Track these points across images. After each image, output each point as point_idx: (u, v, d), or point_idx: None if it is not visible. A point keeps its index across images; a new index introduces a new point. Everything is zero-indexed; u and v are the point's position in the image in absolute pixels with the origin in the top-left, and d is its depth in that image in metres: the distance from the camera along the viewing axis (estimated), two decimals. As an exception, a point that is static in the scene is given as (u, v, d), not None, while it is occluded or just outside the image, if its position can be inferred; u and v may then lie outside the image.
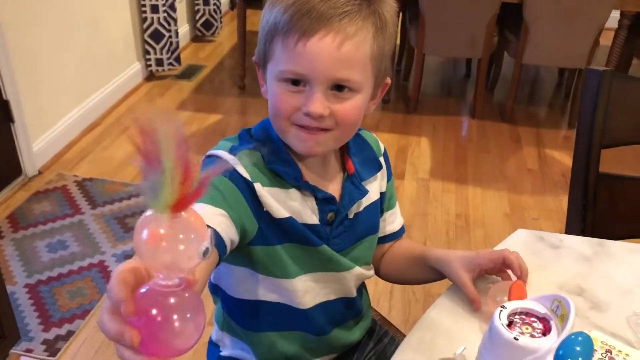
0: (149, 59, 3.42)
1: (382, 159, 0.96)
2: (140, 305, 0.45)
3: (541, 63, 3.36)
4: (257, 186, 0.80)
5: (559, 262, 0.97)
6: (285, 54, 0.75)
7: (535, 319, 0.73)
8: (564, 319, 0.70)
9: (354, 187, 0.89)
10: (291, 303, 0.89)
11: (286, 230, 0.83)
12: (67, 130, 2.75)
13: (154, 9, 3.28)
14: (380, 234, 0.99)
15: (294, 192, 0.84)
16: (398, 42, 3.69)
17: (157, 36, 3.35)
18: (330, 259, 0.89)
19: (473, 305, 0.85)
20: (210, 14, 4.07)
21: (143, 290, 0.46)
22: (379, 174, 0.95)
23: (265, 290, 0.88)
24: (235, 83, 3.48)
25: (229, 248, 0.74)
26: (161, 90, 3.41)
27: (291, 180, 0.83)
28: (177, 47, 3.51)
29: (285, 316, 0.90)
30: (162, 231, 0.44)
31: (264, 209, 0.81)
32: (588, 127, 1.21)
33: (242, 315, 0.93)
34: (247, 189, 0.79)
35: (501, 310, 0.72)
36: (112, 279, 0.45)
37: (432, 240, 2.27)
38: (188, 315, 0.46)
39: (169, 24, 3.37)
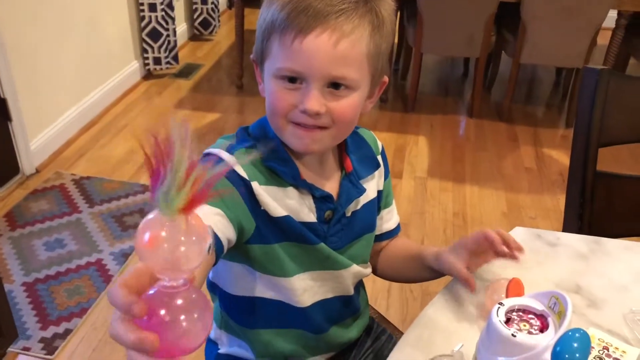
0: (147, 58, 3.41)
1: (379, 157, 0.97)
2: (149, 308, 0.45)
3: (539, 62, 3.36)
4: (254, 185, 0.80)
5: (556, 259, 0.98)
6: (282, 51, 0.75)
7: (533, 316, 0.73)
8: (561, 315, 0.71)
9: (352, 185, 0.90)
10: (289, 301, 0.89)
11: (283, 229, 0.84)
12: (64, 128, 2.75)
13: (152, 7, 3.27)
14: (377, 232, 1.00)
15: (291, 191, 0.84)
16: (396, 40, 3.69)
17: (155, 35, 3.35)
18: (327, 257, 0.89)
19: (467, 288, 0.85)
20: (208, 13, 4.07)
21: (150, 293, 0.46)
22: (376, 173, 0.95)
23: (263, 288, 0.88)
24: (233, 82, 3.48)
25: (226, 247, 0.75)
26: (159, 88, 3.41)
27: (288, 179, 0.83)
28: (175, 45, 3.51)
29: (283, 314, 0.90)
30: (164, 234, 0.44)
31: (261, 208, 0.81)
32: (585, 125, 1.21)
33: (239, 313, 0.93)
34: (244, 187, 0.80)
35: (499, 307, 0.73)
36: (112, 290, 0.45)
37: (429, 239, 2.27)
38: (196, 315, 0.46)
39: (167, 23, 3.36)
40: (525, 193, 2.62)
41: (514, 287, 0.80)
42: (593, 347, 0.77)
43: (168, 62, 3.49)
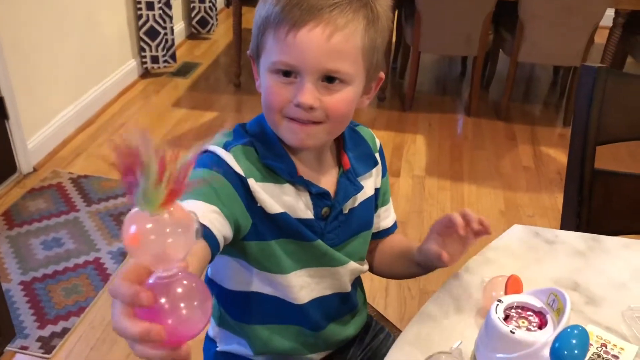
0: (145, 56, 3.41)
1: (377, 155, 0.97)
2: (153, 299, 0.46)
3: (536, 61, 3.37)
4: (251, 182, 0.80)
5: (555, 257, 0.98)
6: (277, 45, 0.76)
7: (532, 313, 0.73)
8: (560, 312, 0.71)
9: (349, 182, 0.90)
10: (286, 298, 0.89)
11: (280, 226, 0.84)
12: (62, 127, 2.74)
13: (150, 6, 3.27)
14: (374, 229, 1.00)
15: (288, 187, 0.84)
16: (394, 39, 3.69)
17: (152, 33, 3.34)
18: (324, 254, 0.89)
19: (441, 263, 0.84)
20: (205, 12, 4.06)
21: (147, 284, 0.47)
22: (374, 170, 0.95)
23: (259, 284, 0.88)
24: (231, 80, 3.48)
25: (222, 245, 0.75)
26: (156, 87, 3.40)
27: (285, 175, 0.83)
28: (173, 44, 3.50)
29: (280, 310, 0.90)
30: (149, 229, 0.45)
31: (258, 205, 0.81)
32: (583, 124, 1.21)
33: (236, 308, 0.93)
34: (240, 184, 0.80)
35: (497, 305, 0.73)
36: (114, 284, 0.46)
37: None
38: (195, 302, 0.47)
39: (165, 21, 3.36)
40: (523, 191, 2.62)
41: (513, 284, 0.80)
42: (591, 344, 0.77)
43: (166, 61, 3.48)
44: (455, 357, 0.73)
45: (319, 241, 0.87)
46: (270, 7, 0.76)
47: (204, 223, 0.71)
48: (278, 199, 0.83)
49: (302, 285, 0.89)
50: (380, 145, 0.99)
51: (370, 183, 0.94)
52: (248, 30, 0.89)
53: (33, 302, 1.85)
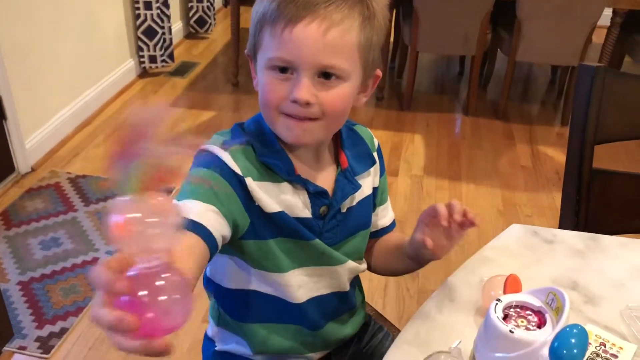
0: (142, 56, 3.40)
1: (375, 155, 0.97)
2: (129, 288, 0.46)
3: (534, 60, 3.37)
4: (249, 181, 0.80)
5: (553, 256, 0.98)
6: (273, 41, 0.76)
7: (531, 312, 0.74)
8: (558, 311, 0.71)
9: (347, 181, 0.90)
10: (284, 297, 0.89)
11: (278, 225, 0.84)
12: (60, 127, 2.74)
13: (147, 5, 3.26)
14: (372, 228, 1.00)
15: (285, 186, 0.84)
16: (392, 39, 3.69)
17: (150, 33, 3.33)
18: (322, 254, 0.89)
19: (426, 249, 0.83)
20: (203, 11, 4.06)
21: (128, 274, 0.47)
22: (372, 169, 0.95)
23: (257, 282, 0.89)
24: (229, 80, 3.48)
25: (220, 244, 0.75)
26: (154, 87, 3.40)
27: (283, 174, 0.83)
28: (171, 44, 3.50)
29: (278, 309, 0.90)
30: (130, 216, 0.46)
31: (256, 204, 0.81)
32: (581, 123, 1.21)
33: (234, 306, 0.93)
34: (238, 183, 0.80)
35: (496, 304, 0.73)
36: (93, 270, 0.46)
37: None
38: (175, 296, 0.47)
39: (162, 21, 3.35)
40: (521, 191, 2.62)
41: (512, 284, 0.80)
42: (590, 344, 0.77)
43: (164, 61, 3.48)
44: (454, 356, 0.73)
45: (317, 240, 0.87)
46: (266, 4, 0.77)
47: (202, 223, 0.71)
48: (276, 197, 0.83)
49: (300, 284, 0.89)
50: (379, 145, 0.99)
51: (368, 182, 0.95)
52: (246, 29, 0.89)
53: (31, 302, 1.84)
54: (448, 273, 0.93)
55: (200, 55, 3.89)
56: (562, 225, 1.30)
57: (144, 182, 0.46)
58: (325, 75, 0.77)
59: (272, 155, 0.83)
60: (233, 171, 0.80)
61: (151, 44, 3.37)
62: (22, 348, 1.69)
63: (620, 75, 1.24)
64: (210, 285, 0.95)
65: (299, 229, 0.85)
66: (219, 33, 4.27)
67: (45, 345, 1.70)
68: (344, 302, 0.98)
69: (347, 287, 0.96)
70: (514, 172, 2.77)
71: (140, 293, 0.46)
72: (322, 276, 0.92)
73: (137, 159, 0.45)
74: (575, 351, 0.62)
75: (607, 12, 2.90)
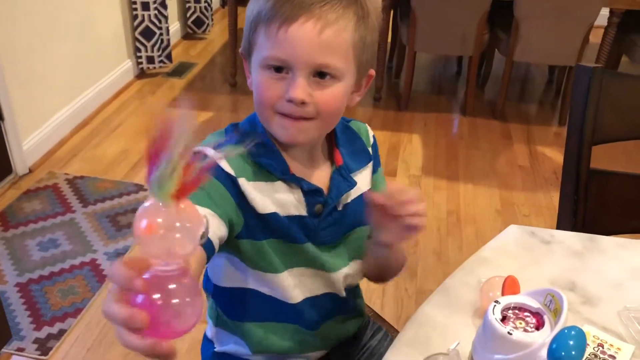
0: (140, 57, 3.40)
1: (370, 149, 0.97)
2: (144, 288, 0.47)
3: (532, 60, 3.37)
4: (242, 181, 0.81)
5: (551, 257, 0.98)
6: (268, 40, 0.77)
7: (529, 314, 0.74)
8: (557, 313, 0.71)
9: (342, 179, 0.90)
10: (280, 297, 0.90)
11: (270, 226, 0.84)
12: (57, 128, 2.73)
13: (145, 6, 3.26)
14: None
15: (279, 185, 0.84)
16: (389, 39, 3.69)
17: (148, 34, 3.33)
18: (314, 258, 0.89)
19: (377, 225, 0.82)
20: (201, 12, 4.06)
21: (145, 276, 0.48)
22: (368, 165, 0.95)
23: (253, 282, 0.89)
24: (227, 80, 3.48)
25: (217, 247, 0.75)
26: (152, 88, 3.39)
27: (277, 173, 0.84)
28: (168, 44, 3.50)
29: (275, 308, 0.91)
30: (160, 220, 0.47)
31: (249, 204, 0.81)
32: (579, 123, 1.22)
33: (231, 305, 0.94)
34: (231, 184, 0.80)
35: (495, 305, 0.73)
36: (113, 266, 0.47)
37: (423, 237, 2.28)
38: (187, 300, 0.49)
39: (160, 22, 3.35)
40: (519, 191, 2.63)
41: (510, 285, 0.80)
42: (588, 345, 0.77)
43: (161, 61, 3.47)
44: (452, 358, 0.73)
45: (309, 244, 0.87)
46: (262, 4, 0.77)
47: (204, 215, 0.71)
48: (270, 197, 0.83)
49: (295, 285, 0.90)
50: (374, 138, 0.99)
51: (364, 178, 0.94)
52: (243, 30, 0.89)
53: (29, 303, 1.84)
54: (446, 273, 0.94)
55: (198, 55, 3.88)
56: (560, 225, 1.30)
57: (177, 187, 0.47)
58: (320, 74, 0.77)
59: (266, 155, 0.84)
60: (226, 172, 0.80)
61: (149, 44, 3.36)
62: (20, 350, 1.69)
63: (617, 76, 1.25)
64: (209, 284, 0.95)
65: (291, 232, 0.85)
66: (217, 33, 4.26)
67: (43, 346, 1.70)
68: (340, 303, 0.98)
69: (342, 293, 0.96)
70: (511, 172, 2.77)
71: (155, 294, 0.47)
72: (316, 277, 0.92)
73: (170, 165, 0.47)
74: (573, 353, 0.62)
75: (604, 12, 2.90)
